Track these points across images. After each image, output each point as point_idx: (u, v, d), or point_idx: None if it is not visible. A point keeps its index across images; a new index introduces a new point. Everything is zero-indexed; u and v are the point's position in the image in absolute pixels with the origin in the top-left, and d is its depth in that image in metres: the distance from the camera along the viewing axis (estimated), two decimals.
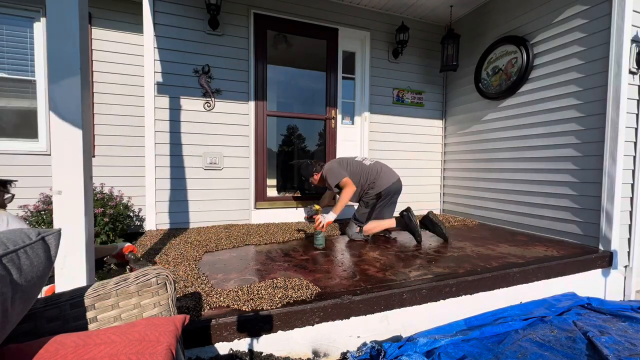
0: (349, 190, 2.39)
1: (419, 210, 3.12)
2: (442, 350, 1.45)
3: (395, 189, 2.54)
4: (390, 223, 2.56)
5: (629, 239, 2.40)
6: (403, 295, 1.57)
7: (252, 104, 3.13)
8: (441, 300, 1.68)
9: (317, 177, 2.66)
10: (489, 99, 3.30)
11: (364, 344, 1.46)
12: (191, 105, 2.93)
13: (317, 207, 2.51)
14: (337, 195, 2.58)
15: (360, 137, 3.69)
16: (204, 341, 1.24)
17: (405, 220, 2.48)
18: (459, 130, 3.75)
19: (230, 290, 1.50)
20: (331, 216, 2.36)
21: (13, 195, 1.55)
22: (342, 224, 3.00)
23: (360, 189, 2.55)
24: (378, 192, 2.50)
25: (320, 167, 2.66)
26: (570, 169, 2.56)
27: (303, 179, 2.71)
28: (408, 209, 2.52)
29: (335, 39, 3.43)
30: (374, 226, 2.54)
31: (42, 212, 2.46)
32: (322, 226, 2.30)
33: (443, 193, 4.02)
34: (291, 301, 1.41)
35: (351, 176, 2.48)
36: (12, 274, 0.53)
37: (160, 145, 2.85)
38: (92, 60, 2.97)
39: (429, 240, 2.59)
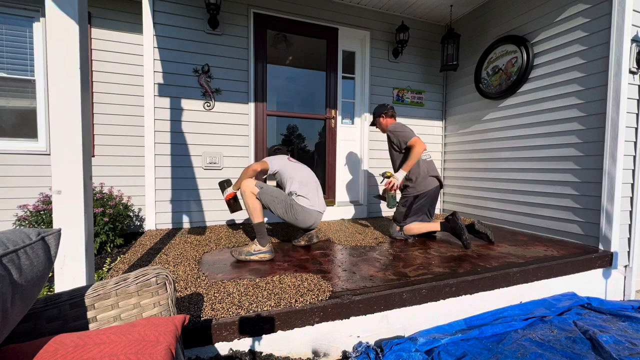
0: (420, 148, 2.36)
1: None
2: (442, 349, 1.45)
3: (433, 195, 2.53)
4: (435, 226, 2.51)
5: (629, 239, 2.40)
6: (403, 295, 1.57)
7: (251, 103, 3.13)
8: (441, 300, 1.68)
9: (383, 121, 2.66)
10: (489, 98, 3.30)
11: (359, 344, 1.46)
12: (191, 105, 2.93)
13: (388, 173, 2.47)
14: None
15: (360, 136, 3.69)
16: (204, 341, 1.24)
17: (452, 225, 2.37)
18: (459, 129, 3.75)
19: (230, 290, 1.51)
20: (401, 174, 2.35)
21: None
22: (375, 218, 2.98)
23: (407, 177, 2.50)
24: (416, 195, 2.48)
25: (391, 115, 2.67)
26: (570, 168, 2.56)
27: (373, 115, 2.75)
28: (454, 214, 2.43)
29: (335, 39, 3.43)
30: (417, 227, 2.52)
31: (42, 212, 2.46)
32: (394, 186, 2.34)
33: (443, 192, 4.01)
34: (292, 300, 1.41)
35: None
36: (12, 274, 0.53)
37: (159, 145, 2.85)
38: (91, 60, 2.96)
39: (430, 240, 2.59)
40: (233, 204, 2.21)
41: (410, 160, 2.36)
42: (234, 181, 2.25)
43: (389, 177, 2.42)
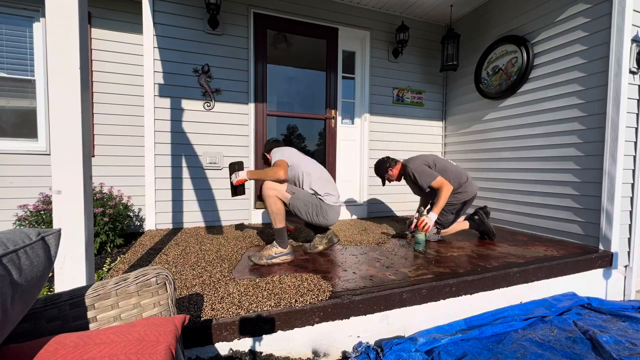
0: (447, 189, 2.29)
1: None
2: (442, 349, 1.45)
3: (474, 197, 2.52)
4: (465, 225, 2.63)
5: (629, 239, 2.40)
6: (403, 295, 1.57)
7: (251, 103, 3.13)
8: (441, 300, 1.68)
9: (393, 172, 2.54)
10: (489, 98, 3.30)
11: (359, 344, 1.46)
12: (191, 105, 2.93)
13: (423, 209, 2.38)
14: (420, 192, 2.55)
15: (360, 136, 3.69)
16: (204, 341, 1.24)
17: (477, 222, 2.61)
18: (459, 129, 3.75)
19: (230, 290, 1.50)
20: (433, 217, 2.27)
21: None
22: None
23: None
24: (465, 200, 2.44)
25: (394, 162, 2.57)
26: (570, 168, 2.56)
27: (380, 178, 2.61)
28: (478, 210, 2.63)
29: (335, 39, 3.43)
30: (450, 228, 2.58)
31: (42, 212, 2.46)
32: (427, 227, 2.23)
33: None
34: (292, 300, 1.41)
35: (441, 174, 2.39)
36: (12, 274, 0.53)
37: (159, 145, 2.85)
38: (91, 60, 2.96)
39: (429, 240, 2.59)
40: (240, 190, 2.03)
41: (440, 202, 2.28)
42: (247, 165, 2.01)
43: (422, 214, 2.31)
